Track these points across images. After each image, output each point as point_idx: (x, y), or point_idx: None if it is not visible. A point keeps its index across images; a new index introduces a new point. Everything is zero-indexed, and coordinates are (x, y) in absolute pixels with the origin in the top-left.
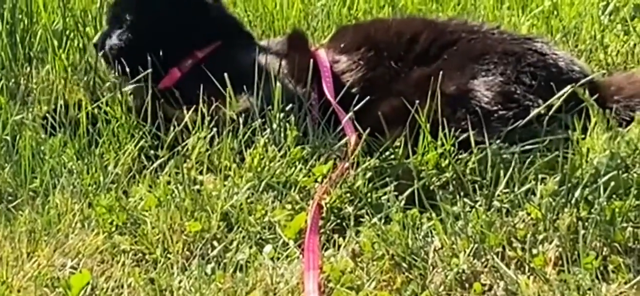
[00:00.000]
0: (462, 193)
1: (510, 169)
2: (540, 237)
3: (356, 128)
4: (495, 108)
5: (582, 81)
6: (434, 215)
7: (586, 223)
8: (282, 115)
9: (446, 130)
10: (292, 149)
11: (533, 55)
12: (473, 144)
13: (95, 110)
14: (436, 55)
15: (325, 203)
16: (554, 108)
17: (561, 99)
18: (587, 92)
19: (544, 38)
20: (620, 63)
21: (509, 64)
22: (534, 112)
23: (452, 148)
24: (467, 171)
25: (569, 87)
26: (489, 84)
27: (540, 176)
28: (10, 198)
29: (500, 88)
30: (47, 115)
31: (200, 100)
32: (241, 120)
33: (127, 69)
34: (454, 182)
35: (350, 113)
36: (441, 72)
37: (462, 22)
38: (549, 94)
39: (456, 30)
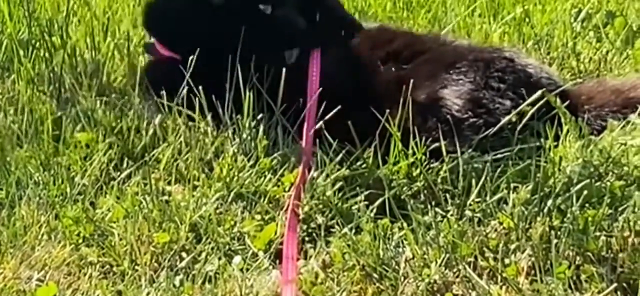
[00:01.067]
0: (433, 203)
1: (482, 178)
2: (513, 247)
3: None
4: (465, 116)
5: (553, 89)
6: (405, 224)
7: (559, 232)
8: (252, 123)
9: (417, 139)
10: (261, 159)
11: (501, 61)
12: (444, 153)
13: (62, 120)
14: (406, 63)
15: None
16: (526, 117)
17: (534, 106)
18: (558, 99)
19: (513, 48)
20: (592, 70)
21: (478, 70)
22: (504, 119)
23: (423, 157)
24: (439, 180)
25: (539, 92)
26: (458, 92)
27: (512, 185)
28: None
29: (470, 95)
30: None
31: None
32: None
33: None
34: (425, 192)
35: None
36: (412, 80)
37: (436, 36)
38: (518, 98)
39: (429, 40)
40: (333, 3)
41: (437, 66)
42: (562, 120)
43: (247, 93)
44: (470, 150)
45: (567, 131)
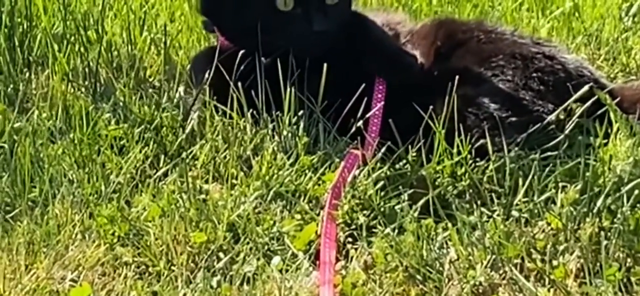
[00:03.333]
0: (479, 203)
1: (529, 177)
2: (561, 248)
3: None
4: (505, 114)
5: (601, 86)
6: (449, 225)
7: (609, 233)
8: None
9: (462, 137)
10: (302, 156)
11: (541, 60)
12: (490, 151)
13: (97, 116)
14: (448, 56)
15: (337, 214)
16: (575, 115)
17: (582, 105)
18: (607, 96)
19: (554, 42)
20: None
21: (517, 68)
22: (550, 116)
23: (469, 155)
24: (484, 179)
25: (587, 87)
26: (497, 90)
27: (560, 184)
28: (7, 208)
29: (509, 94)
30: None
31: None
32: None
33: None
34: (470, 191)
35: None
36: (456, 75)
37: (479, 23)
38: (559, 100)
39: (470, 28)
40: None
41: (473, 61)
42: (612, 117)
43: (288, 89)
44: (516, 149)
45: (617, 129)
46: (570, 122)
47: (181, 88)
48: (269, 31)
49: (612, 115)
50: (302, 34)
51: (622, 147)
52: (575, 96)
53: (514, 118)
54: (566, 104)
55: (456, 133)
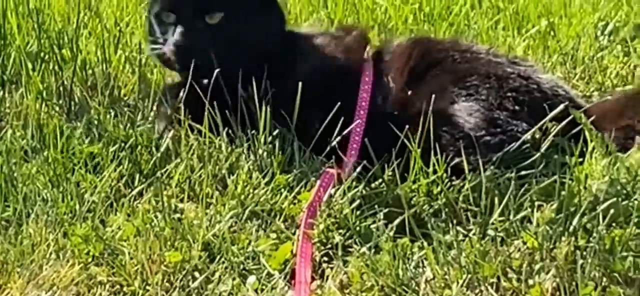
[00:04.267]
0: (454, 222)
1: (505, 196)
2: (537, 267)
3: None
4: (480, 133)
5: (576, 106)
6: (425, 244)
7: (585, 253)
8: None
9: (438, 156)
10: (277, 176)
11: (516, 80)
12: (466, 170)
13: (71, 135)
14: (423, 75)
15: (312, 233)
16: (550, 134)
17: (558, 124)
18: (583, 115)
19: (529, 61)
20: (619, 85)
21: (492, 88)
22: (526, 135)
23: (445, 174)
24: (460, 198)
25: (562, 106)
26: (471, 109)
27: (536, 203)
28: None
29: (484, 114)
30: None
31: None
32: None
33: None
34: (446, 210)
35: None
36: (426, 94)
37: (454, 42)
38: (533, 119)
39: (445, 48)
40: None
41: (449, 80)
42: (587, 136)
43: (264, 107)
44: (492, 167)
45: (593, 148)
46: (546, 141)
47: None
48: (158, 42)
49: (587, 134)
50: (170, 45)
51: (597, 165)
52: (550, 115)
53: (489, 138)
54: (541, 123)
55: (432, 152)
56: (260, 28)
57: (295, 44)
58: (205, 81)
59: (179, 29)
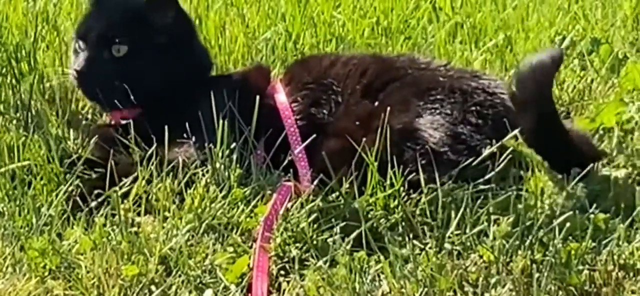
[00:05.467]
0: (411, 235)
1: (462, 209)
2: (493, 280)
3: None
4: (443, 149)
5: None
6: (382, 257)
7: (541, 266)
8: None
9: (395, 169)
10: (234, 189)
11: (479, 94)
12: (423, 184)
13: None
14: (381, 90)
15: (269, 247)
16: (507, 151)
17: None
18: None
19: (491, 76)
20: (576, 99)
21: (456, 102)
22: (486, 153)
23: (402, 188)
24: (417, 212)
25: (516, 132)
26: (435, 123)
27: (492, 217)
28: None
29: (448, 128)
30: None
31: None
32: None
33: None
34: (403, 224)
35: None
36: (388, 108)
37: (410, 58)
38: (496, 134)
39: (403, 65)
40: None
41: (412, 93)
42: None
43: (221, 121)
44: (450, 181)
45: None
46: (505, 156)
47: None
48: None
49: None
50: (72, 70)
51: (553, 181)
52: (510, 135)
53: (450, 153)
54: (504, 140)
55: (389, 166)
56: (167, 66)
57: (208, 80)
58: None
59: (82, 56)
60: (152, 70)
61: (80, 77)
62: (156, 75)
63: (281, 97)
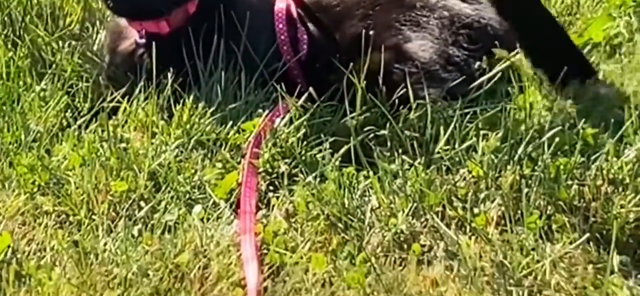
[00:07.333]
0: (400, 151)
1: (451, 125)
2: (482, 196)
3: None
4: (433, 68)
5: None
6: (371, 173)
7: (530, 181)
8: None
9: (383, 87)
10: (222, 105)
11: (467, 16)
12: (412, 99)
13: (17, 65)
14: (371, 9)
15: (258, 162)
16: (499, 67)
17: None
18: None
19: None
20: (564, 14)
21: (443, 26)
22: (475, 65)
23: (392, 104)
24: (406, 127)
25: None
26: (425, 45)
27: (481, 132)
28: None
29: (438, 50)
30: None
31: None
32: None
33: None
34: (392, 139)
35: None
36: (375, 29)
37: None
38: (486, 55)
39: None
40: None
41: (401, 13)
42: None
43: (215, 39)
44: (439, 97)
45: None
46: (493, 71)
47: (102, 35)
48: None
49: (522, 77)
50: None
51: (542, 96)
52: (501, 64)
53: (441, 72)
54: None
55: (380, 82)
56: None
57: None
58: None
59: None
60: None
61: None
62: None
63: (279, 4)
